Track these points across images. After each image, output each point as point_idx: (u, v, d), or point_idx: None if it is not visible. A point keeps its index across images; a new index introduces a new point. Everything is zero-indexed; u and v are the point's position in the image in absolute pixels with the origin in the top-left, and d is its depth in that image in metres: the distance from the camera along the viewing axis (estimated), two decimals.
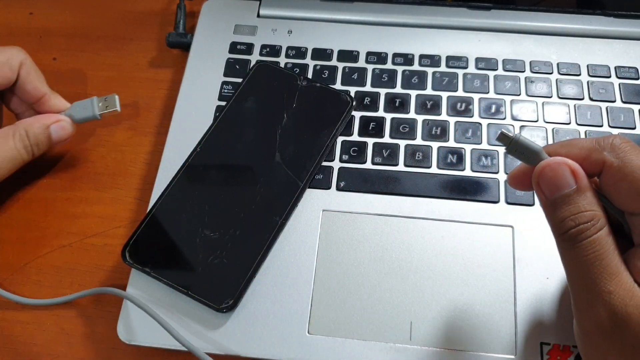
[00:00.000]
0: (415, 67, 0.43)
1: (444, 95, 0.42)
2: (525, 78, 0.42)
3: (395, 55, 0.44)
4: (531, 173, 0.27)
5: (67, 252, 0.39)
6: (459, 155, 0.39)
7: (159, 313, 0.33)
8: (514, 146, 0.27)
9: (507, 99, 0.41)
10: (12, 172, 0.38)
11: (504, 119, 0.40)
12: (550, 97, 0.42)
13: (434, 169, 0.38)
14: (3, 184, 0.41)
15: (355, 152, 0.39)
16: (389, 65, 0.43)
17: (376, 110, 0.41)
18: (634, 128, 0.40)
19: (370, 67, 0.43)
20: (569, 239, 0.25)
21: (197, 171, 0.38)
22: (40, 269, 0.38)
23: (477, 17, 0.45)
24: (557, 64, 0.43)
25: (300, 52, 0.44)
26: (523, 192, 0.37)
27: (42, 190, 0.42)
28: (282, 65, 0.43)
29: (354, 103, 0.40)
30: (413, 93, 0.42)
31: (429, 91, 0.42)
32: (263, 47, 0.45)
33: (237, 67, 0.44)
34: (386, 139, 0.40)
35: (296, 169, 0.37)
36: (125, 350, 0.35)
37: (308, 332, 0.33)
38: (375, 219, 0.37)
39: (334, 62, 0.44)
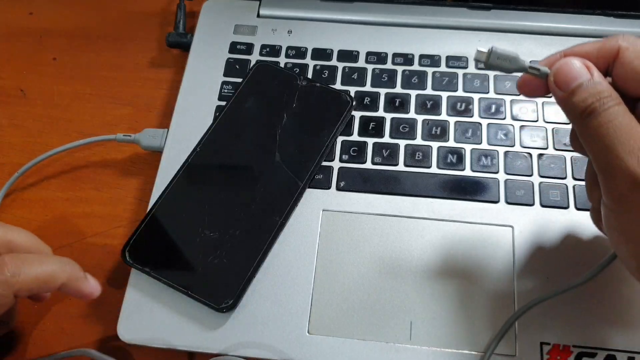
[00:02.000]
0: (415, 67, 0.43)
1: (444, 95, 0.42)
2: None
3: (395, 55, 0.44)
4: (535, 80, 0.29)
5: (67, 252, 0.39)
6: (459, 155, 0.39)
7: (159, 313, 0.33)
8: (493, 58, 0.29)
9: (507, 98, 0.41)
10: None
11: (504, 118, 0.40)
12: (550, 96, 0.41)
13: (434, 169, 0.38)
14: (3, 185, 0.41)
15: (355, 152, 0.39)
16: (389, 65, 0.43)
17: (376, 110, 0.41)
18: None
19: (370, 67, 0.43)
20: (592, 111, 0.26)
21: (197, 171, 0.38)
22: None
23: (477, 17, 0.45)
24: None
25: (300, 52, 0.44)
26: (523, 192, 0.37)
27: (42, 190, 0.42)
28: (282, 65, 0.43)
29: (353, 103, 0.40)
30: (413, 93, 0.42)
31: (429, 91, 0.42)
32: (263, 47, 0.45)
33: (237, 67, 0.44)
34: (386, 138, 0.40)
35: (296, 169, 0.37)
36: (125, 350, 0.35)
37: (308, 332, 0.33)
38: (375, 219, 0.37)
39: (334, 62, 0.44)
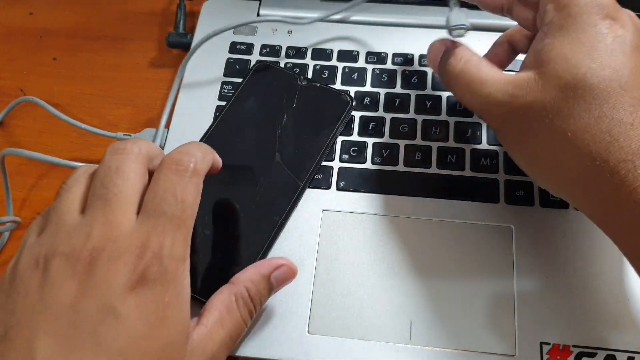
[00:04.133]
0: (415, 67, 0.43)
1: (444, 95, 0.42)
2: None
3: (395, 55, 0.44)
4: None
5: None
6: (459, 155, 0.39)
7: None
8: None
9: None
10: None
11: None
12: None
13: (433, 169, 0.38)
14: (3, 185, 0.41)
15: (355, 152, 0.39)
16: (389, 65, 0.43)
17: (376, 110, 0.41)
18: None
19: (370, 67, 0.43)
20: (447, 78, 0.33)
21: None
22: None
23: (477, 17, 0.45)
24: None
25: (300, 52, 0.44)
26: (523, 192, 0.37)
27: (42, 191, 0.42)
28: (282, 65, 0.43)
29: (353, 103, 0.40)
30: (413, 93, 0.42)
31: (428, 91, 0.42)
32: (263, 47, 0.45)
33: (237, 67, 0.44)
34: (386, 138, 0.40)
35: (296, 169, 0.37)
36: None
37: (308, 332, 0.33)
38: (375, 219, 0.37)
39: (334, 62, 0.44)
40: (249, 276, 0.30)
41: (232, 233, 0.35)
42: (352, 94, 0.42)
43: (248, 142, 0.38)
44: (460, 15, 0.35)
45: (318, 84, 0.40)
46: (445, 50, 0.33)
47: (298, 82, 0.40)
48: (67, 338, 0.21)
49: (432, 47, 0.35)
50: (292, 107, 0.39)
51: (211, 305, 0.28)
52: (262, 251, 0.34)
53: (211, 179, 0.36)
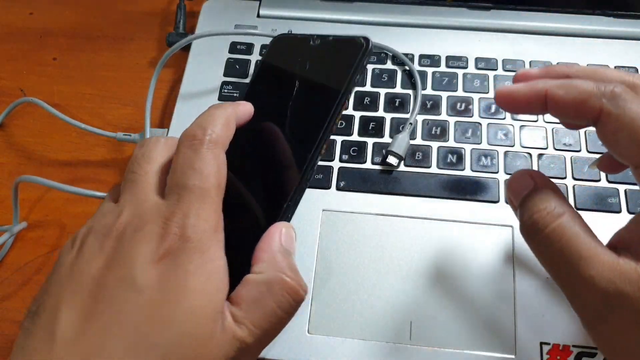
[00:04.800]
0: (415, 66, 0.43)
1: (444, 95, 0.42)
2: None
3: (395, 55, 0.44)
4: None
5: None
6: (459, 155, 0.39)
7: None
8: None
9: None
10: None
11: (504, 118, 0.40)
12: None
13: (433, 169, 0.38)
14: (2, 185, 0.41)
15: (355, 151, 0.39)
16: (389, 65, 0.43)
17: (376, 110, 0.41)
18: None
19: (370, 67, 0.43)
20: (531, 234, 0.25)
21: None
22: (40, 269, 0.38)
23: (477, 17, 0.45)
24: (557, 64, 0.43)
25: None
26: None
27: (42, 191, 0.42)
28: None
29: (369, 45, 0.33)
30: (413, 93, 0.42)
31: (428, 91, 0.42)
32: (263, 47, 0.45)
33: (237, 67, 0.44)
34: (386, 138, 0.40)
35: (309, 130, 0.34)
36: None
37: (308, 332, 0.33)
38: (375, 219, 0.37)
39: None
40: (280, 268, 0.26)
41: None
42: (353, 94, 0.42)
43: (266, 114, 0.35)
44: None
45: (331, 37, 0.36)
46: (533, 190, 0.26)
47: (311, 42, 0.37)
48: (88, 309, 0.21)
49: (515, 178, 0.27)
50: (305, 71, 0.36)
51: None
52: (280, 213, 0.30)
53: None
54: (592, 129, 0.40)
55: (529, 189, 0.26)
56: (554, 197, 0.25)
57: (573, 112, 0.25)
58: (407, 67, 0.43)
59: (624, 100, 0.24)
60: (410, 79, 0.42)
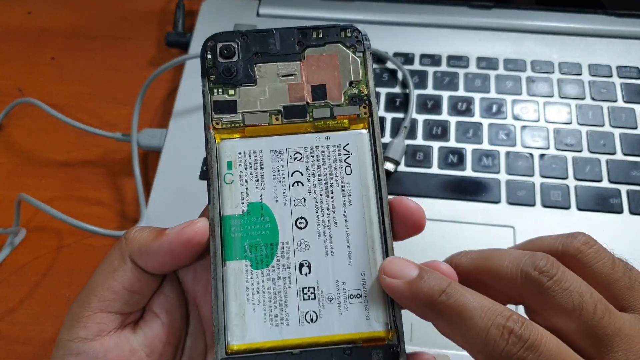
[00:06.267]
0: (416, 66, 0.43)
1: (445, 94, 0.41)
2: (527, 77, 0.42)
3: (395, 54, 0.43)
4: None
5: (65, 253, 0.39)
6: (460, 155, 0.39)
7: None
8: None
9: (508, 98, 0.41)
10: None
11: (505, 118, 0.40)
12: (552, 96, 0.41)
13: (434, 169, 0.38)
14: (2, 185, 0.41)
15: (382, 168, 0.39)
16: (389, 65, 0.43)
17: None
18: (636, 128, 0.40)
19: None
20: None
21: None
22: (39, 269, 0.38)
23: (478, 16, 0.45)
24: (559, 64, 0.43)
25: None
26: (524, 192, 0.37)
27: (41, 191, 0.41)
28: None
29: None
30: (414, 93, 0.42)
31: (429, 91, 0.42)
32: None
33: None
34: (386, 138, 0.40)
35: None
36: None
37: None
38: None
39: None
40: None
41: None
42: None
43: None
44: None
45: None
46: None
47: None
48: None
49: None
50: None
51: None
52: None
53: None
54: (594, 129, 0.40)
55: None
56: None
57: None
58: (400, 71, 0.43)
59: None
60: (409, 80, 0.42)
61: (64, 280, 0.37)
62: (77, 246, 0.39)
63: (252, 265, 0.20)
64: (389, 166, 0.38)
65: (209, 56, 0.23)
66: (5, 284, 0.38)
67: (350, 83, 0.22)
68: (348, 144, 0.22)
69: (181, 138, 0.40)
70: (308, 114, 0.22)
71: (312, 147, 0.22)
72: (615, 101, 0.41)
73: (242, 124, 0.22)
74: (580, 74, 0.42)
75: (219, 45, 0.22)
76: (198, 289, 0.23)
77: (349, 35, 0.23)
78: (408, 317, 0.33)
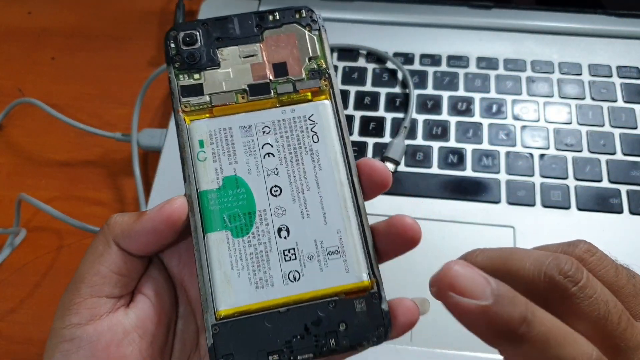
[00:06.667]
0: (416, 66, 0.43)
1: (445, 94, 0.41)
2: (527, 77, 0.42)
3: (395, 54, 0.43)
4: None
5: (66, 253, 0.39)
6: (460, 155, 0.39)
7: None
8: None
9: (508, 98, 0.41)
10: None
11: (505, 118, 0.40)
12: (552, 96, 0.41)
13: (434, 169, 0.38)
14: (2, 185, 0.41)
15: (356, 152, 0.39)
16: (389, 65, 0.43)
17: (376, 110, 0.41)
18: (636, 128, 0.40)
19: (370, 67, 0.43)
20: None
21: None
22: (39, 269, 0.38)
23: (478, 16, 0.45)
24: (559, 64, 0.43)
25: None
26: (525, 192, 0.37)
27: (41, 191, 0.41)
28: None
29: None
30: (414, 92, 0.42)
31: (429, 91, 0.42)
32: None
33: None
34: (386, 138, 0.40)
35: None
36: None
37: None
38: (375, 219, 0.36)
39: (334, 61, 0.43)
40: None
41: None
42: (352, 94, 0.42)
43: None
44: None
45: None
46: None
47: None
48: None
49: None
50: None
51: None
52: None
53: None
54: (594, 129, 0.40)
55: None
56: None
57: None
58: (400, 71, 0.43)
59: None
60: (409, 80, 0.42)
61: (64, 280, 0.37)
62: (77, 246, 0.39)
63: (232, 234, 0.21)
64: (389, 166, 0.38)
65: (172, 45, 0.23)
66: (6, 284, 0.38)
67: (309, 59, 0.24)
68: (312, 114, 0.23)
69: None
70: (272, 90, 0.23)
71: (279, 120, 0.23)
72: (615, 101, 0.41)
73: (209, 105, 0.23)
74: (580, 74, 0.42)
75: (181, 34, 0.23)
76: (184, 273, 0.24)
77: (304, 15, 0.24)
78: None
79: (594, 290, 0.17)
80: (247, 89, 0.23)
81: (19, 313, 0.36)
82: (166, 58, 0.24)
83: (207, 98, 0.23)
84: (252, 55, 0.23)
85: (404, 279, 0.34)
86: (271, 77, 0.23)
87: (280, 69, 0.23)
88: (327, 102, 0.23)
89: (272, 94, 0.23)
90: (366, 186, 0.23)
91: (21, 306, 0.37)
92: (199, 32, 0.24)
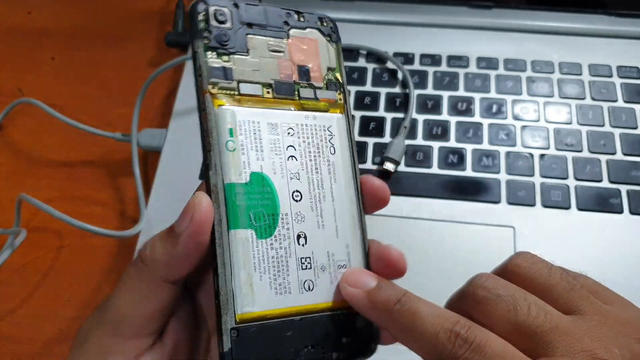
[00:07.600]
0: (416, 66, 0.43)
1: (445, 94, 0.41)
2: (527, 77, 0.42)
3: (395, 54, 0.43)
4: None
5: (66, 253, 0.39)
6: (460, 155, 0.39)
7: None
8: None
9: (509, 98, 0.41)
10: None
11: (505, 118, 0.40)
12: (552, 96, 0.41)
13: (434, 169, 0.38)
14: (2, 185, 0.41)
15: (356, 152, 0.39)
16: (389, 65, 0.43)
17: (376, 110, 0.41)
18: (636, 128, 0.39)
19: (370, 67, 0.43)
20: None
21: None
22: (39, 269, 0.38)
23: (478, 16, 0.45)
24: (559, 64, 0.43)
25: None
26: (525, 192, 0.37)
27: (41, 191, 0.41)
28: None
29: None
30: (414, 92, 0.41)
31: (429, 91, 0.42)
32: None
33: None
34: (387, 139, 0.40)
35: None
36: None
37: None
38: (375, 219, 0.36)
39: None
40: None
41: None
42: (353, 94, 0.42)
43: None
44: None
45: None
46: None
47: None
48: None
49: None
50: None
51: None
52: None
53: None
54: (594, 129, 0.40)
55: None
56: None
57: None
58: (400, 71, 0.43)
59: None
60: (409, 80, 0.42)
61: (64, 280, 0.37)
62: (77, 246, 0.39)
63: (257, 235, 0.20)
64: (389, 166, 0.38)
65: (201, 17, 0.21)
66: (6, 284, 0.38)
67: (328, 69, 0.23)
68: (331, 125, 0.23)
69: (181, 138, 0.40)
70: (295, 92, 0.22)
71: (302, 125, 0.22)
72: (616, 101, 0.41)
73: (237, 92, 0.21)
74: (580, 74, 0.42)
75: (212, 9, 0.21)
76: (193, 282, 0.23)
77: (325, 24, 0.24)
78: None
79: (502, 290, 0.20)
80: (273, 84, 0.22)
81: (19, 313, 0.36)
82: (193, 31, 0.21)
83: (235, 84, 0.21)
84: (280, 52, 0.22)
85: (404, 279, 0.34)
86: (295, 79, 0.22)
87: (304, 72, 0.22)
88: (342, 117, 0.23)
89: (295, 95, 0.22)
90: (367, 203, 0.24)
91: (21, 306, 0.37)
92: (231, 11, 0.21)
